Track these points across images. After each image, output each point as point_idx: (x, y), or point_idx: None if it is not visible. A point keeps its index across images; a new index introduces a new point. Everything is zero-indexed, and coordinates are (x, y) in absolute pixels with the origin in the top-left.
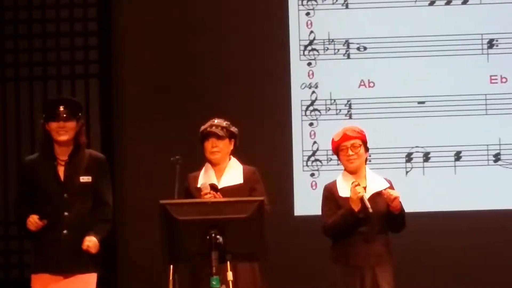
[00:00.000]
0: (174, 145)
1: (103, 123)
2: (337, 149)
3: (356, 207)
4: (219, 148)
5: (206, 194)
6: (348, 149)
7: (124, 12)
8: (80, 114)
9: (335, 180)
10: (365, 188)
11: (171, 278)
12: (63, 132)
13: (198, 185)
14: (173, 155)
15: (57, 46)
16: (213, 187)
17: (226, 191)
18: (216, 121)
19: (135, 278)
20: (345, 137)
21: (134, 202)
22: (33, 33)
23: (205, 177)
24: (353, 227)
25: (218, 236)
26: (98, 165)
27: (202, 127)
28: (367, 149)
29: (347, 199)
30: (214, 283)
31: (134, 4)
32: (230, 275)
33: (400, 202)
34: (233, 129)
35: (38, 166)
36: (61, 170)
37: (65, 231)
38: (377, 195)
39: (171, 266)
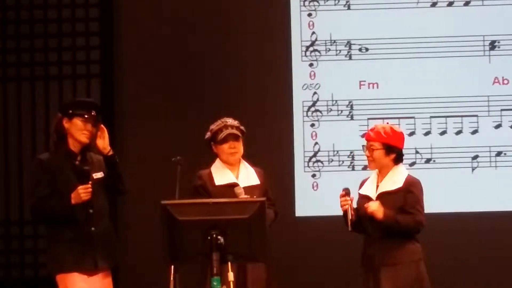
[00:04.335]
0: (175, 145)
1: (104, 123)
2: None
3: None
4: (237, 148)
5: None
6: (367, 149)
7: (126, 12)
8: None
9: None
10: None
11: (172, 278)
12: (89, 134)
13: (217, 183)
14: (174, 155)
15: (59, 46)
16: (235, 186)
17: (249, 190)
18: (229, 121)
19: (136, 278)
20: (366, 136)
21: (135, 202)
22: (35, 33)
23: (221, 175)
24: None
25: (219, 237)
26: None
27: (215, 128)
28: (393, 152)
29: (361, 195)
30: (215, 283)
31: (135, 5)
32: (231, 276)
33: (390, 216)
34: (242, 127)
35: (55, 166)
36: None
37: (93, 228)
38: (387, 194)
39: (172, 266)
